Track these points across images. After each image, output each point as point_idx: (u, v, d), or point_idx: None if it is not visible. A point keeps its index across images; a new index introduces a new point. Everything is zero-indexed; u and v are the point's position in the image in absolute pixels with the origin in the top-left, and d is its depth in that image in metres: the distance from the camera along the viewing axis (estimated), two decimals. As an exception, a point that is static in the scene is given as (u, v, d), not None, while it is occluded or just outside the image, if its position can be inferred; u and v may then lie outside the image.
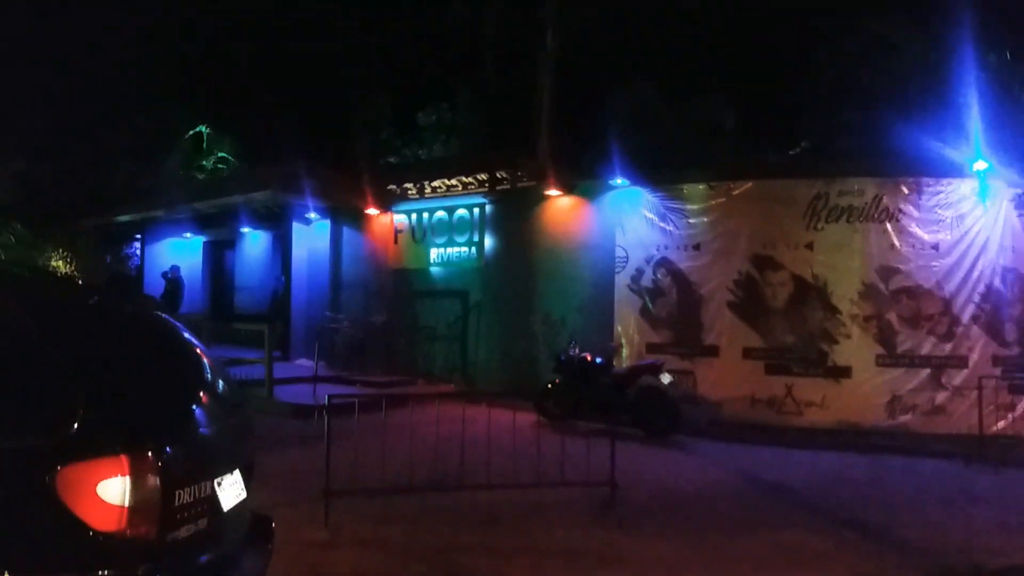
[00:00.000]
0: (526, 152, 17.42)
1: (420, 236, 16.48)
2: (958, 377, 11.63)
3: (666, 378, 11.66)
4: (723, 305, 12.66)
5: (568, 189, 14.30)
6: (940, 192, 11.93)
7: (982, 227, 11.76)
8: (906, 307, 12.05)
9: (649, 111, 16.98)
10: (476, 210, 15.72)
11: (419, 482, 7.71)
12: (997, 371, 11.47)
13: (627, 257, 13.37)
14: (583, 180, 14.23)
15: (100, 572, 3.13)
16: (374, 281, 17.23)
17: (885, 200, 12.09)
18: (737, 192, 12.66)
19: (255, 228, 20.70)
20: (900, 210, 12.03)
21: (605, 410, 11.44)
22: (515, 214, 15.11)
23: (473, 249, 15.65)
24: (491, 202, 15.54)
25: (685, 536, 7.11)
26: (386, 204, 17.05)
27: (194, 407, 3.73)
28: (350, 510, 7.08)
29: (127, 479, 3.12)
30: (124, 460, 3.14)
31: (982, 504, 8.20)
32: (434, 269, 16.31)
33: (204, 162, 27.67)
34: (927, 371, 11.80)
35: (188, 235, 21.92)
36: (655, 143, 15.12)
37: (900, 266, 12.03)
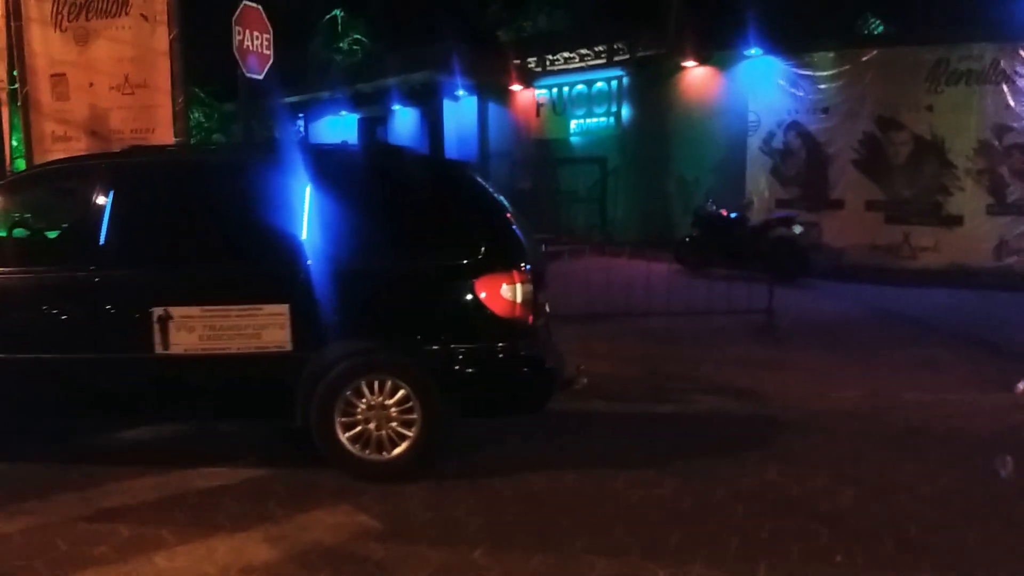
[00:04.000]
0: (644, 23, 17.82)
1: (561, 108, 17.43)
2: (1064, 224, 12.27)
3: (797, 228, 12.61)
4: (848, 163, 13.42)
5: (703, 60, 14.96)
6: (1058, 54, 12.18)
7: (1096, 85, 12.03)
8: (1017, 161, 12.55)
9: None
10: (614, 82, 16.52)
11: (609, 310, 9.16)
12: (1101, 218, 12.06)
13: (759, 121, 14.14)
14: (717, 51, 14.82)
15: (499, 343, 4.61)
16: (518, 151, 18.39)
17: (1002, 64, 12.40)
18: (864, 59, 13.14)
19: (404, 105, 21.91)
20: (1016, 72, 12.33)
21: (739, 258, 12.60)
22: (651, 85, 15.89)
23: (611, 119, 16.56)
24: (628, 74, 16.31)
25: (831, 351, 8.31)
26: (528, 80, 17.97)
27: (529, 240, 5.08)
28: (560, 331, 8.54)
29: (516, 285, 4.53)
30: (514, 274, 4.54)
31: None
32: (574, 138, 17.34)
33: (341, 44, 28.63)
34: (1034, 219, 12.45)
35: (343, 113, 23.36)
36: (784, 14, 15.36)
37: (1014, 124, 12.45)
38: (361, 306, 4.56)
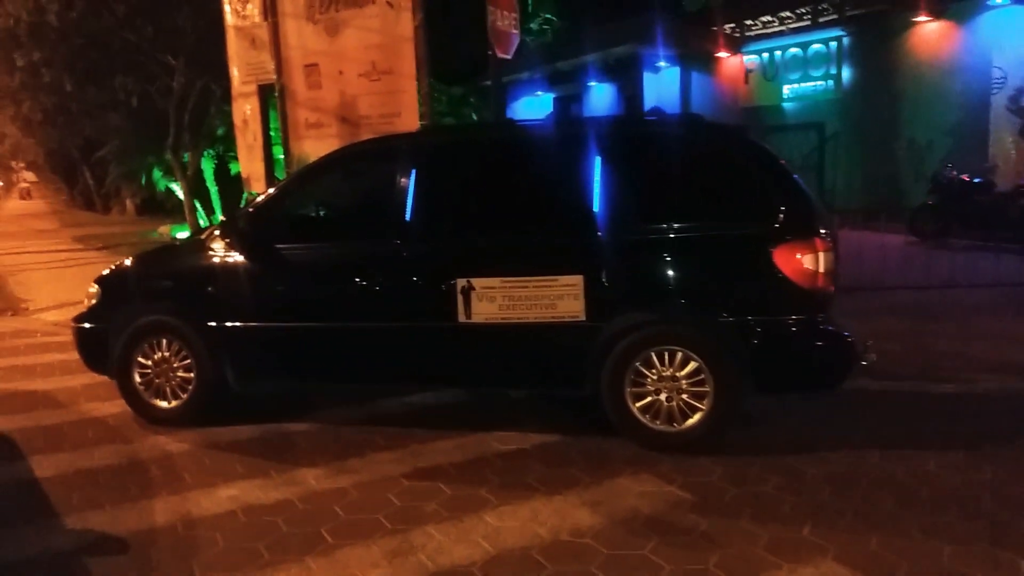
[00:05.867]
0: None
1: (772, 74, 16.62)
2: None
3: (1056, 193, 11.35)
4: (1117, 118, 11.88)
5: (937, 14, 13.68)
6: None
7: None
8: None
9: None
10: (833, 43, 15.50)
11: (854, 284, 8.58)
12: None
13: (1006, 77, 12.78)
14: (954, 2, 13.51)
15: (799, 315, 4.39)
16: (725, 121, 17.71)
17: None
18: None
19: (601, 81, 21.70)
20: None
21: (984, 227, 11.52)
22: (877, 44, 14.76)
23: (830, 82, 15.57)
24: (849, 34, 15.23)
25: (1119, 325, 7.40)
26: (736, 46, 17.25)
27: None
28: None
29: (820, 254, 4.29)
30: (816, 241, 4.30)
31: None
32: (787, 104, 16.48)
33: (532, 24, 28.75)
34: None
35: (539, 93, 23.49)
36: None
37: None
38: (653, 276, 4.50)
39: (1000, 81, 12.82)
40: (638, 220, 4.52)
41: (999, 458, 4.34)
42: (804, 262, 4.29)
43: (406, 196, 4.71)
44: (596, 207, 4.51)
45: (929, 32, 13.97)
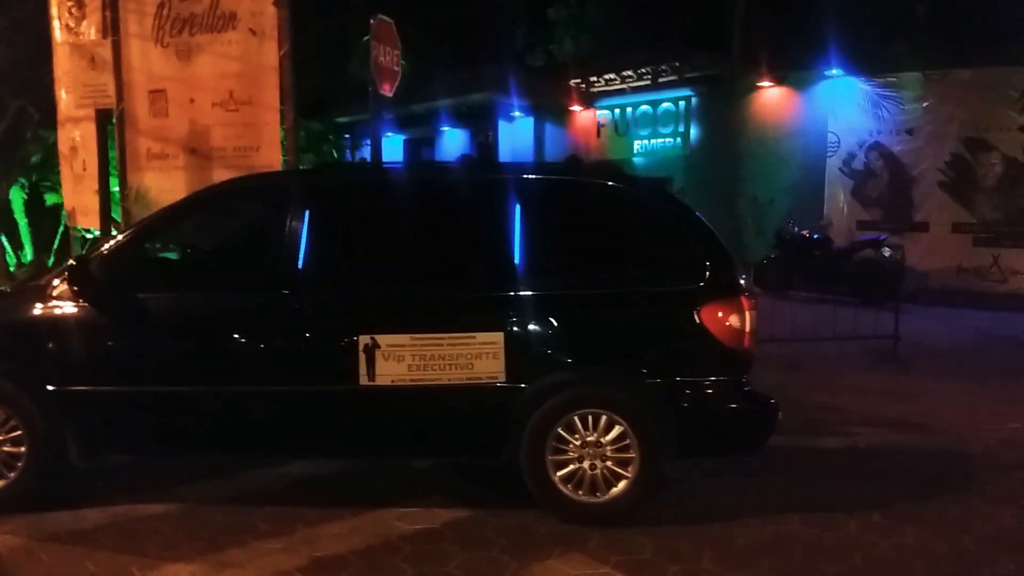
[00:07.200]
0: (692, 45, 17.36)
1: (623, 129, 17.11)
2: None
3: (886, 251, 12.21)
4: (934, 185, 13.04)
5: (779, 80, 14.61)
6: None
7: None
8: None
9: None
10: (681, 103, 16.17)
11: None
12: None
13: (839, 142, 13.79)
14: (794, 71, 14.48)
15: (725, 376, 4.22)
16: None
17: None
18: (953, 79, 12.79)
19: (454, 126, 21.61)
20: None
21: (822, 280, 12.23)
22: (722, 105, 15.51)
23: (678, 139, 16.20)
24: (697, 94, 15.95)
25: (960, 379, 7.81)
26: (589, 101, 17.67)
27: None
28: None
29: (746, 314, 4.14)
30: (743, 300, 4.16)
31: None
32: (637, 159, 16.98)
33: (378, 66, 28.30)
34: None
35: (389, 134, 23.05)
36: (863, 34, 15.00)
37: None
38: (578, 335, 4.18)
39: (834, 145, 13.84)
40: (561, 275, 4.21)
41: (915, 519, 4.30)
42: (731, 321, 4.12)
43: (298, 240, 4.14)
44: (517, 260, 4.15)
45: (771, 97, 14.91)
